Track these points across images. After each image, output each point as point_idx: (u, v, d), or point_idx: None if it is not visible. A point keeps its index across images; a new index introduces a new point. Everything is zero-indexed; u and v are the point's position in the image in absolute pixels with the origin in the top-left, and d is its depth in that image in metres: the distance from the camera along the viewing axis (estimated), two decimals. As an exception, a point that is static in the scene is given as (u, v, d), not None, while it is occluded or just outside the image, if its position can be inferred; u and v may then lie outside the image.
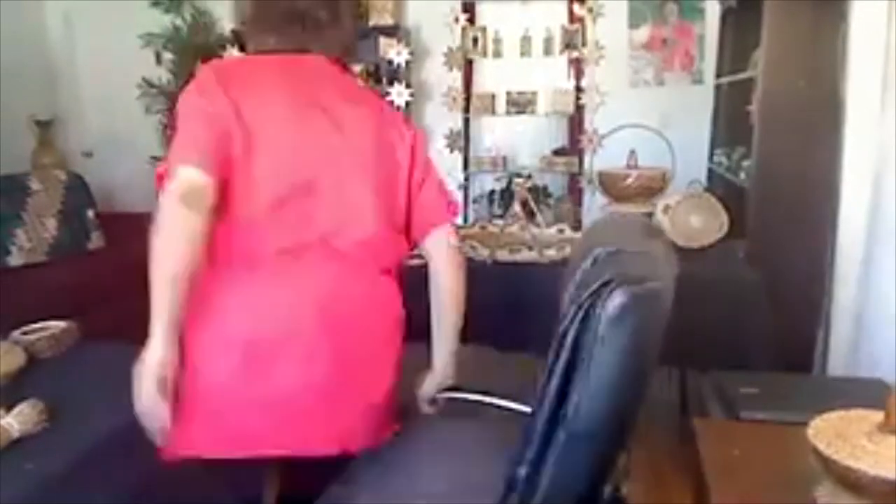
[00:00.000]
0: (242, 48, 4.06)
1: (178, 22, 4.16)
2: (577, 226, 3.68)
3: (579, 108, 3.85)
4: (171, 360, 1.15)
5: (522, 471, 0.99)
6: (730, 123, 3.33)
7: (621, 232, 1.16)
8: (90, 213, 3.50)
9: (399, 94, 3.79)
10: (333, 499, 1.38)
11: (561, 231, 2.56)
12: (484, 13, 4.01)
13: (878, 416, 1.15)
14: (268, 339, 1.25)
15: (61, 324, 1.80)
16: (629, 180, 2.93)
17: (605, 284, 0.94)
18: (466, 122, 3.99)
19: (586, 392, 0.95)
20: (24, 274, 3.05)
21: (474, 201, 4.03)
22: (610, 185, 3.06)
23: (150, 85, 4.19)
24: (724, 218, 2.65)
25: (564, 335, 0.97)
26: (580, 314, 0.95)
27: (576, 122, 3.92)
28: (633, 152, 3.04)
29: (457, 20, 3.83)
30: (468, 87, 4.00)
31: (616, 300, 0.93)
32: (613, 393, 0.95)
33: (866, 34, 2.19)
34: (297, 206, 1.27)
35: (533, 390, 1.04)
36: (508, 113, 4.00)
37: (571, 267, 1.02)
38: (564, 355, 0.96)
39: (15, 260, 3.13)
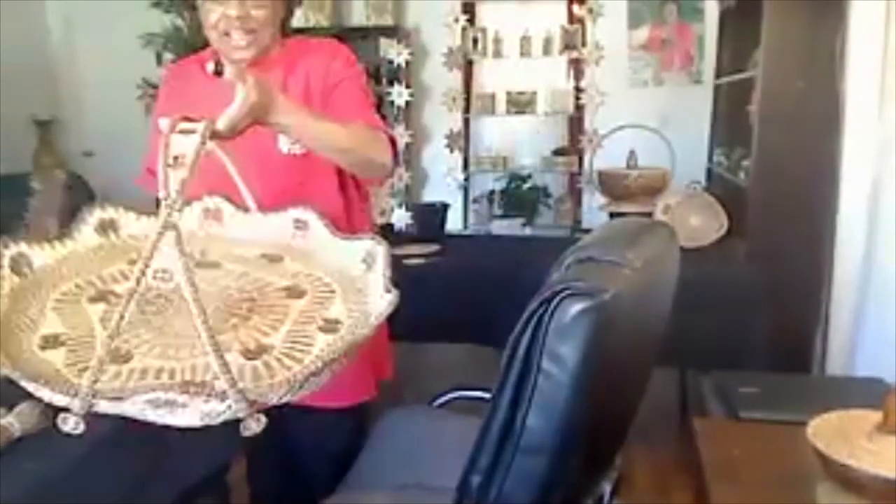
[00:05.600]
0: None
1: (179, 22, 4.17)
2: (576, 226, 3.70)
3: (579, 108, 3.86)
4: None
5: (475, 479, 0.96)
6: (729, 123, 3.34)
7: (613, 235, 1.14)
8: (90, 214, 3.51)
9: (399, 94, 3.79)
10: (342, 497, 1.39)
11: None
12: (484, 13, 4.01)
13: (878, 415, 1.16)
14: None
15: (62, 324, 1.79)
16: (629, 180, 2.93)
17: (555, 294, 0.89)
18: (466, 122, 3.99)
19: (536, 408, 0.91)
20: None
21: (474, 201, 4.03)
22: (610, 185, 3.06)
23: (151, 85, 4.19)
24: (724, 218, 2.65)
25: (516, 345, 0.92)
26: (531, 324, 0.91)
27: (576, 122, 3.93)
28: (632, 152, 3.04)
29: (456, 20, 3.83)
30: (468, 88, 4.00)
31: (563, 312, 0.88)
32: (566, 410, 0.90)
33: (865, 34, 2.20)
34: None
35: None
36: (508, 113, 4.00)
37: (550, 272, 0.99)
38: (516, 366, 0.92)
39: (15, 260, 3.13)
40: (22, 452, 1.27)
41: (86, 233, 1.10)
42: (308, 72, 1.40)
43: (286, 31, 1.44)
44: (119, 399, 0.78)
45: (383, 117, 3.94)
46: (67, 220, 3.66)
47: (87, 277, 1.04)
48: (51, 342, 0.92)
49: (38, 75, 4.24)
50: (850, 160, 2.28)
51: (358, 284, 1.03)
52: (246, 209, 1.12)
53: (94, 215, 1.11)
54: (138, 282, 0.78)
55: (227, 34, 1.32)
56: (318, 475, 1.48)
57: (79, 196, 3.50)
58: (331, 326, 0.95)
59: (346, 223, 1.17)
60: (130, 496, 1.37)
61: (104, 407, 0.78)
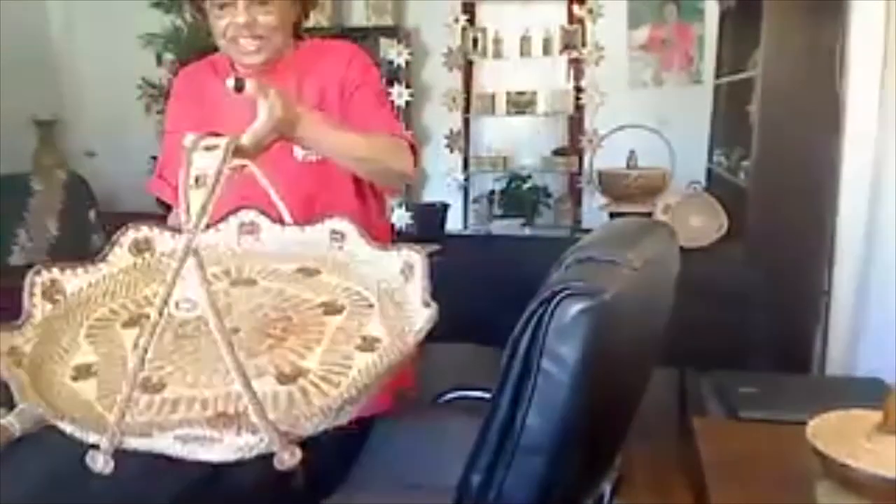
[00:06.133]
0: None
1: (179, 22, 4.17)
2: (576, 226, 3.71)
3: (579, 108, 3.86)
4: None
5: (475, 478, 0.96)
6: (729, 124, 3.34)
7: (612, 235, 1.14)
8: (91, 214, 3.51)
9: (399, 94, 3.79)
10: (342, 497, 1.39)
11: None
12: (483, 13, 4.01)
13: (877, 415, 1.16)
14: None
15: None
16: (629, 180, 2.94)
17: (555, 295, 0.89)
18: (466, 122, 4.00)
19: (535, 407, 0.91)
20: (26, 273, 3.06)
21: (474, 201, 4.03)
22: (610, 185, 3.07)
23: (151, 85, 4.20)
24: (724, 218, 2.66)
25: (516, 345, 0.92)
26: (531, 324, 0.91)
27: (576, 122, 3.93)
28: (632, 152, 3.05)
29: (456, 20, 3.83)
30: (468, 88, 4.00)
31: (563, 312, 0.88)
32: (566, 410, 0.90)
33: (865, 34, 2.20)
34: None
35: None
36: (508, 113, 4.00)
37: (550, 272, 0.99)
38: (516, 366, 0.92)
39: (16, 259, 3.15)
40: (22, 452, 1.27)
41: (119, 254, 1.06)
42: (323, 77, 1.37)
43: (299, 33, 1.41)
44: (148, 435, 0.74)
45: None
46: (69, 220, 3.64)
47: (122, 301, 1.01)
48: (83, 372, 0.89)
49: (39, 75, 4.24)
50: (850, 160, 2.28)
51: (396, 297, 0.99)
52: (282, 222, 1.10)
53: (128, 235, 1.07)
54: (161, 313, 0.74)
55: (235, 40, 1.29)
56: (319, 476, 1.48)
57: (80, 196, 3.51)
58: (369, 345, 0.91)
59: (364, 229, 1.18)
60: (130, 496, 1.37)
61: (133, 443, 0.75)
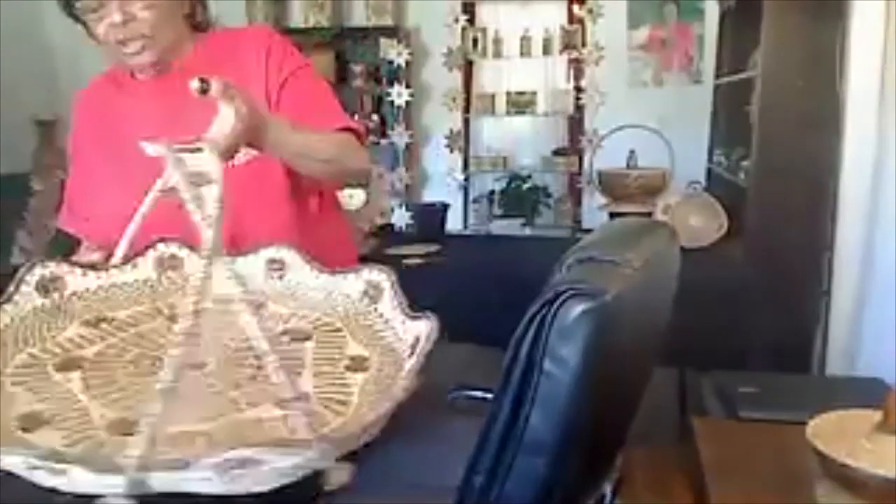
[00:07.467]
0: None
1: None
2: (576, 226, 3.71)
3: (579, 108, 3.86)
4: None
5: (477, 479, 0.96)
6: (729, 123, 3.34)
7: (613, 236, 1.14)
8: (91, 214, 3.51)
9: (399, 94, 3.80)
10: (343, 497, 1.39)
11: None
12: (484, 14, 4.01)
13: (877, 415, 1.16)
14: None
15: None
16: (629, 180, 2.94)
17: (557, 295, 0.89)
18: (466, 122, 4.00)
19: (538, 408, 0.91)
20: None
21: (474, 201, 4.04)
22: (610, 185, 3.07)
23: (151, 85, 4.20)
24: (724, 218, 2.66)
25: (518, 346, 0.92)
26: (533, 325, 0.91)
27: (576, 122, 3.93)
28: (632, 152, 3.05)
29: (456, 20, 3.83)
30: (468, 88, 4.01)
31: (566, 313, 0.88)
32: (568, 411, 0.91)
33: (865, 34, 2.20)
34: None
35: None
36: (508, 113, 4.00)
37: (552, 272, 0.99)
38: (518, 367, 0.92)
39: (16, 259, 3.15)
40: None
41: (25, 293, 0.93)
42: (240, 71, 1.18)
43: (199, 26, 1.26)
44: (181, 468, 0.61)
45: (379, 114, 3.95)
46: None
47: (42, 346, 0.89)
48: (33, 422, 0.77)
49: (39, 75, 4.24)
50: (849, 160, 2.28)
51: (362, 321, 0.92)
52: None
53: (34, 273, 0.94)
54: (197, 316, 0.66)
55: (116, 43, 1.18)
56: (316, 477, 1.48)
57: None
58: (358, 364, 0.84)
59: (297, 237, 1.05)
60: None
61: (157, 484, 0.62)
